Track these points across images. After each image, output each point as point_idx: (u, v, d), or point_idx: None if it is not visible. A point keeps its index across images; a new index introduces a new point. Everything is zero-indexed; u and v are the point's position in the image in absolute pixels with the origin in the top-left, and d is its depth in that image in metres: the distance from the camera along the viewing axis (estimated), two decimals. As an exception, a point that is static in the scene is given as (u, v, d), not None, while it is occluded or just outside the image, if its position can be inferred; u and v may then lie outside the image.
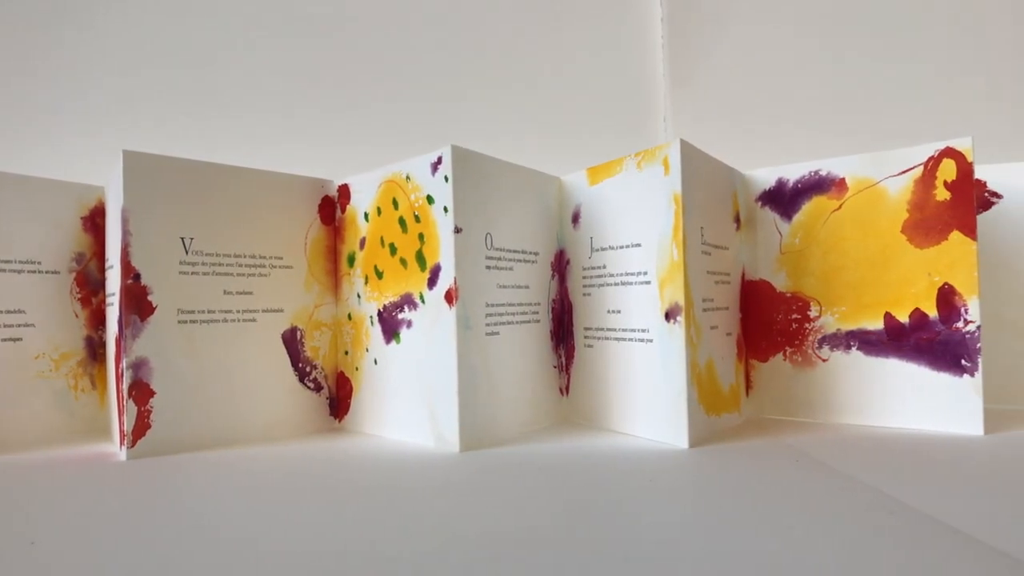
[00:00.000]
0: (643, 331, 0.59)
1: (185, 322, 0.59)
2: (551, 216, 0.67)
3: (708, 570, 0.30)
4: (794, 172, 0.66)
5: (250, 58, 1.08)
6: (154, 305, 0.57)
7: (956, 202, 0.59)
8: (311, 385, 0.67)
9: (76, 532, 0.38)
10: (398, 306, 0.61)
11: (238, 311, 0.62)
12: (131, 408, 0.55)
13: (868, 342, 0.63)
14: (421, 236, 0.59)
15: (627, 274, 0.61)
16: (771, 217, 0.67)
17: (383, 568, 0.31)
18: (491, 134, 1.08)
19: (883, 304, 0.62)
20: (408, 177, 0.60)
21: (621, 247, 0.61)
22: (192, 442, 0.59)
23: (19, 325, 0.63)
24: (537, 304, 0.65)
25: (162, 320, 0.57)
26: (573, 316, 0.67)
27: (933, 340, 0.60)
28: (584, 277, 0.65)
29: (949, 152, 0.59)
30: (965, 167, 0.58)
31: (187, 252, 0.59)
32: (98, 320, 0.67)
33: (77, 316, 0.66)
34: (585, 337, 0.66)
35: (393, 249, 0.61)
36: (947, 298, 0.59)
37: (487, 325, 0.59)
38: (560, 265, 0.68)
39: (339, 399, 0.68)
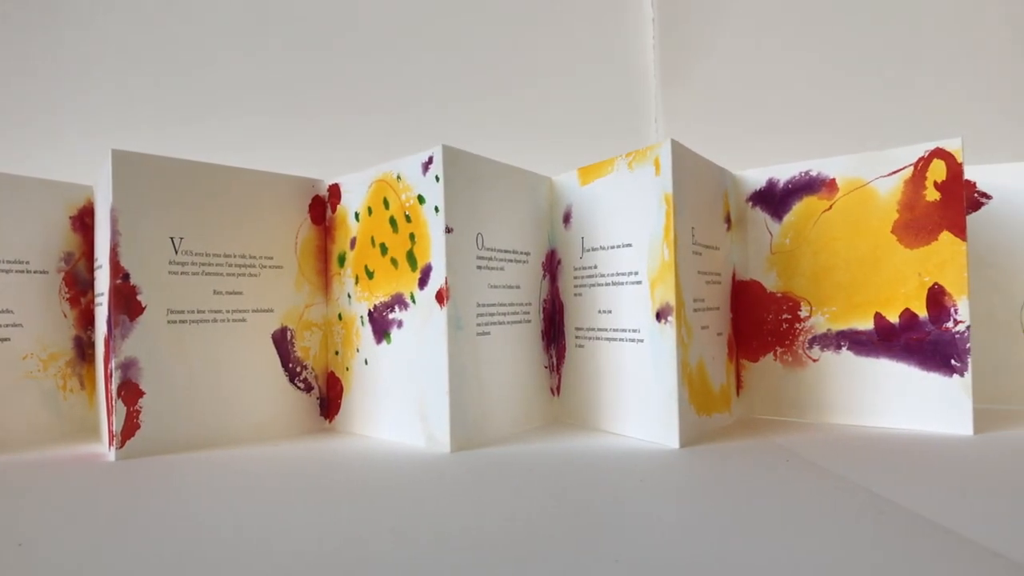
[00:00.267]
0: (634, 331, 0.59)
1: (175, 322, 0.58)
2: (542, 216, 0.67)
3: (699, 571, 0.30)
4: (785, 172, 0.66)
5: (240, 57, 1.08)
6: (143, 305, 0.57)
7: (946, 202, 0.59)
8: (301, 385, 0.67)
9: (64, 533, 0.38)
10: (389, 306, 0.61)
11: (228, 311, 0.62)
12: (120, 408, 0.55)
13: (858, 342, 0.63)
14: (412, 236, 0.59)
15: (618, 274, 0.61)
16: (762, 217, 0.67)
17: (374, 568, 0.31)
18: (482, 134, 1.08)
19: (873, 304, 0.62)
20: (399, 177, 0.60)
21: (612, 247, 0.61)
22: (181, 443, 0.58)
23: (7, 325, 0.63)
24: (528, 304, 0.65)
25: (151, 320, 0.57)
26: (564, 316, 0.67)
27: (923, 340, 0.60)
28: (575, 277, 0.65)
29: (939, 153, 0.59)
30: (955, 168, 0.58)
31: (176, 252, 0.59)
32: (87, 320, 0.67)
33: (66, 316, 0.66)
34: (576, 337, 0.66)
35: (384, 249, 0.61)
36: (937, 298, 0.59)
37: (478, 325, 0.59)
38: (551, 265, 0.68)
39: (329, 399, 0.68)
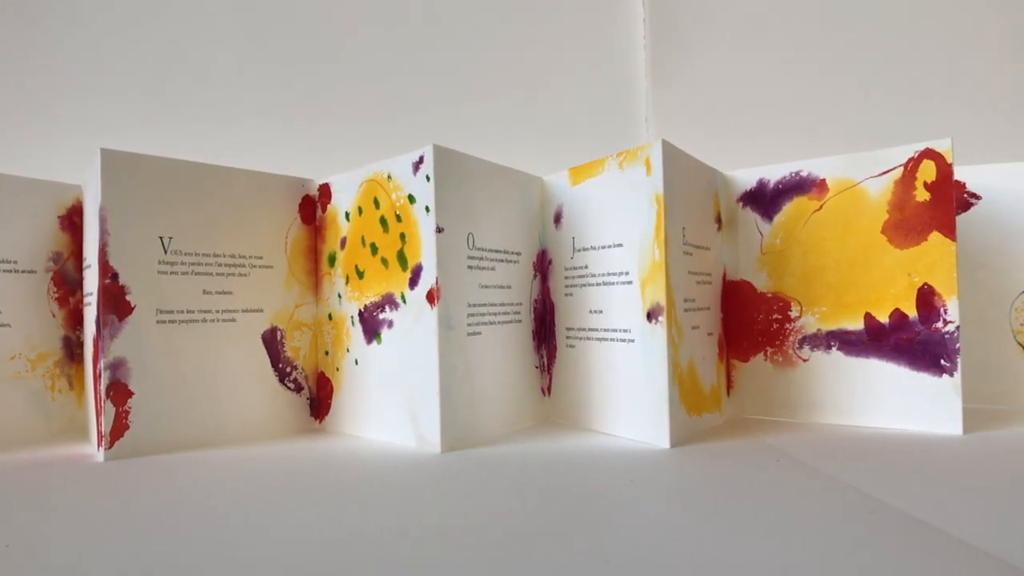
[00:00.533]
0: (625, 331, 0.59)
1: (164, 322, 0.58)
2: (533, 216, 0.67)
3: (690, 570, 0.30)
4: (775, 173, 0.67)
5: (231, 56, 1.07)
6: (132, 305, 0.56)
7: (936, 203, 0.59)
8: (291, 386, 0.66)
9: (52, 534, 0.37)
10: (379, 306, 0.61)
11: (217, 311, 0.62)
12: (109, 409, 0.55)
13: (848, 342, 0.63)
14: (402, 236, 0.58)
15: (609, 274, 0.61)
16: (752, 217, 0.67)
17: (365, 568, 0.31)
18: (473, 134, 1.08)
19: (863, 304, 0.62)
20: (389, 176, 0.60)
21: (603, 247, 0.61)
22: (170, 443, 0.58)
23: (-5, 325, 0.63)
24: (519, 304, 0.65)
25: (140, 320, 0.57)
26: (555, 316, 0.67)
27: (913, 340, 0.60)
28: (566, 277, 0.65)
29: (929, 153, 0.59)
30: (945, 168, 0.59)
31: (166, 251, 0.59)
32: (75, 320, 0.67)
33: (54, 316, 0.66)
34: (567, 337, 0.65)
35: (374, 249, 0.61)
36: (927, 298, 0.59)
37: (469, 325, 0.59)
38: (542, 265, 0.68)
39: (319, 400, 0.68)
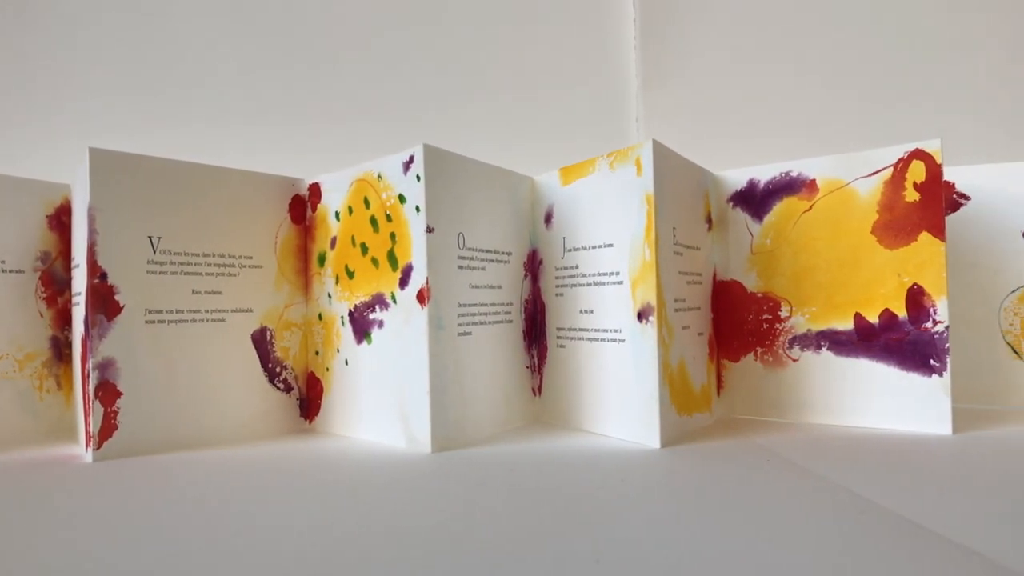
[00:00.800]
0: (615, 331, 0.59)
1: (153, 322, 0.58)
2: (524, 216, 0.67)
3: (680, 570, 0.30)
4: (765, 173, 0.67)
5: (221, 56, 1.07)
6: (121, 305, 0.56)
7: (925, 203, 0.59)
8: (281, 386, 0.66)
9: (39, 536, 0.37)
10: (369, 306, 0.61)
11: (207, 311, 0.61)
12: (97, 409, 0.55)
13: (838, 342, 0.63)
14: (393, 236, 0.58)
15: (599, 274, 0.61)
16: (742, 218, 0.68)
17: (355, 569, 0.31)
18: (463, 134, 1.08)
19: (853, 304, 0.62)
20: (380, 176, 0.60)
21: (593, 247, 0.61)
22: (159, 444, 0.58)
23: (-18, 325, 0.62)
24: (509, 304, 0.65)
25: (129, 320, 0.57)
26: (546, 316, 0.67)
27: (902, 340, 0.60)
28: (557, 277, 0.65)
29: (918, 154, 0.60)
30: (934, 169, 0.59)
31: (155, 251, 0.58)
32: (64, 320, 0.66)
33: (42, 316, 0.65)
34: (558, 337, 0.65)
35: (364, 249, 0.61)
36: (916, 298, 0.59)
37: (459, 325, 0.59)
38: (533, 265, 0.68)
39: (309, 400, 0.68)
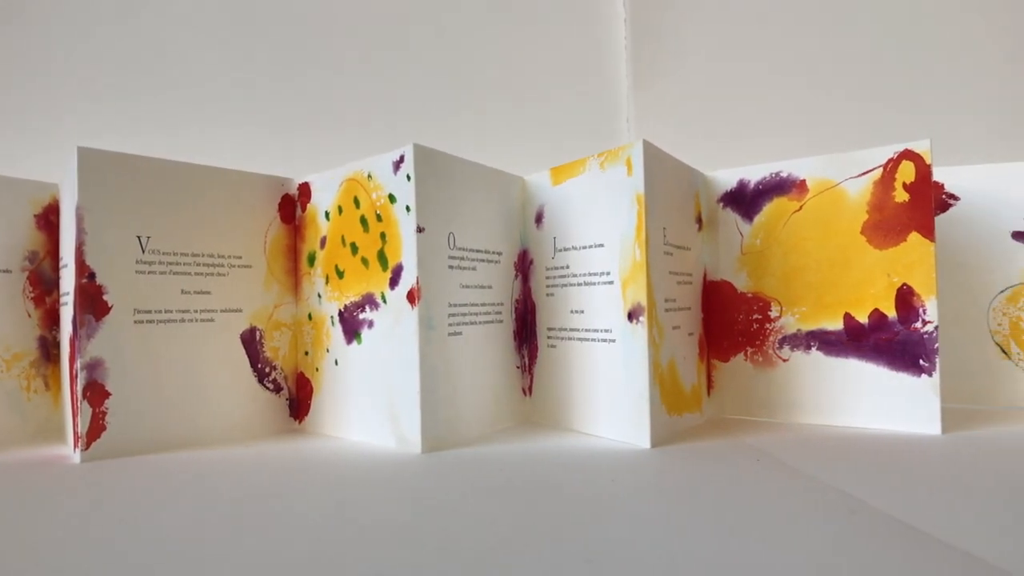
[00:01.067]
0: (606, 331, 0.59)
1: (141, 322, 0.58)
2: (514, 216, 0.67)
3: (671, 570, 0.30)
4: (755, 173, 0.67)
5: (211, 55, 1.07)
6: (109, 305, 0.56)
7: (915, 203, 0.59)
8: (270, 386, 0.66)
9: (27, 537, 0.37)
10: (359, 306, 0.61)
11: (196, 311, 0.61)
12: (85, 409, 0.54)
13: (828, 342, 0.63)
14: (383, 235, 0.58)
15: (590, 274, 0.61)
16: (732, 218, 0.68)
17: (346, 570, 0.31)
18: (454, 133, 1.08)
19: (843, 305, 0.62)
20: (370, 176, 0.60)
21: (584, 247, 0.61)
22: (148, 444, 0.58)
23: (-31, 325, 0.62)
24: (500, 304, 0.65)
25: (117, 320, 0.56)
26: (536, 316, 0.67)
27: (892, 340, 0.60)
28: (547, 277, 0.65)
29: (908, 154, 0.60)
30: (924, 169, 0.59)
31: (143, 251, 0.58)
32: (52, 320, 0.66)
33: (30, 316, 0.65)
34: (548, 337, 0.65)
35: (354, 248, 0.61)
36: (906, 299, 0.59)
37: (450, 325, 0.59)
38: (523, 265, 0.68)
39: (299, 400, 0.68)
